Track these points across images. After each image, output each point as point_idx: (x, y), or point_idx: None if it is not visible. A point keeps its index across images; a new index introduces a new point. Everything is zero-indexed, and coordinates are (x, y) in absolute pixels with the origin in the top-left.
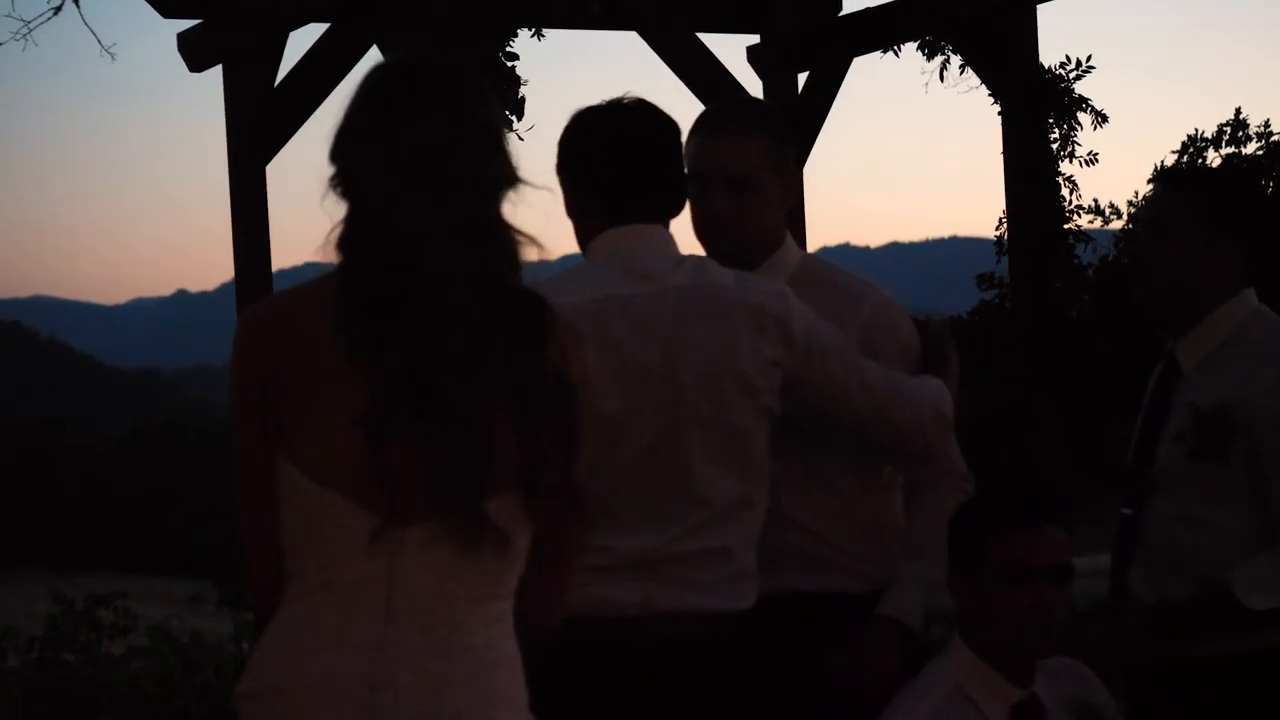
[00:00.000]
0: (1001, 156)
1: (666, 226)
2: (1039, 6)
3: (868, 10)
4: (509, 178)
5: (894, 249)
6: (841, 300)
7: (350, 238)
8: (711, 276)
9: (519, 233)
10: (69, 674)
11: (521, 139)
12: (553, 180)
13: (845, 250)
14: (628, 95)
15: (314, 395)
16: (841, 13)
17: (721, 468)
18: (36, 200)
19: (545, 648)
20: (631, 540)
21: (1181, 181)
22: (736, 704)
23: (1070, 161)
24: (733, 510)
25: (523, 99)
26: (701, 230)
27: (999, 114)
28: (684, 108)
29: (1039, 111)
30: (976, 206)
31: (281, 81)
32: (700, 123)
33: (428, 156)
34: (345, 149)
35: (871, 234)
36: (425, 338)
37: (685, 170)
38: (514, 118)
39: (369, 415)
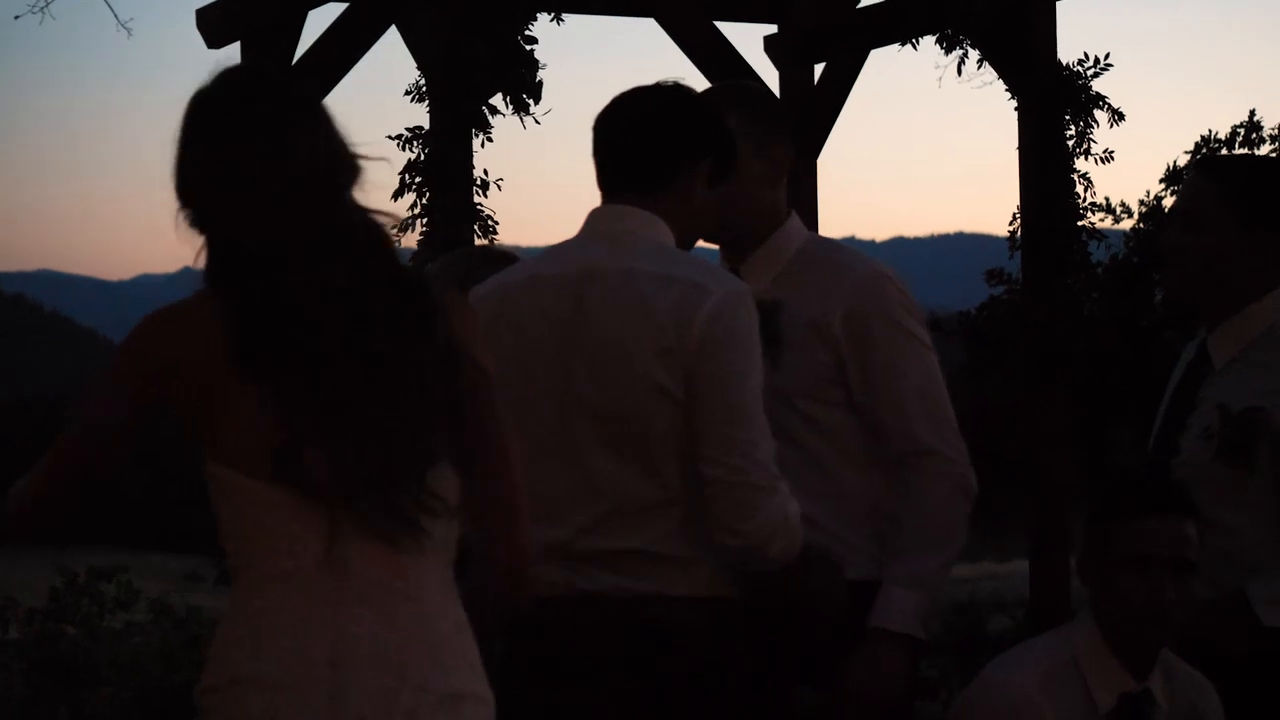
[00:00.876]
0: (1016, 152)
1: (665, 207)
2: (1058, 4)
3: (886, 3)
4: (347, 168)
5: (899, 243)
6: (828, 274)
7: (213, 270)
8: (635, 262)
9: (376, 212)
10: (70, 647)
11: (539, 123)
12: (570, 164)
13: (849, 243)
14: (665, 80)
15: (231, 400)
16: (860, 4)
17: (619, 460)
18: (44, 174)
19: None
20: (539, 531)
21: (1214, 170)
22: (670, 686)
23: (1085, 159)
24: (639, 507)
25: (540, 83)
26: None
27: (1015, 110)
28: None
29: (1056, 108)
30: (983, 202)
31: (300, 59)
32: None
33: (258, 170)
34: (183, 182)
35: (877, 228)
36: (313, 352)
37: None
38: (531, 101)
39: (275, 437)
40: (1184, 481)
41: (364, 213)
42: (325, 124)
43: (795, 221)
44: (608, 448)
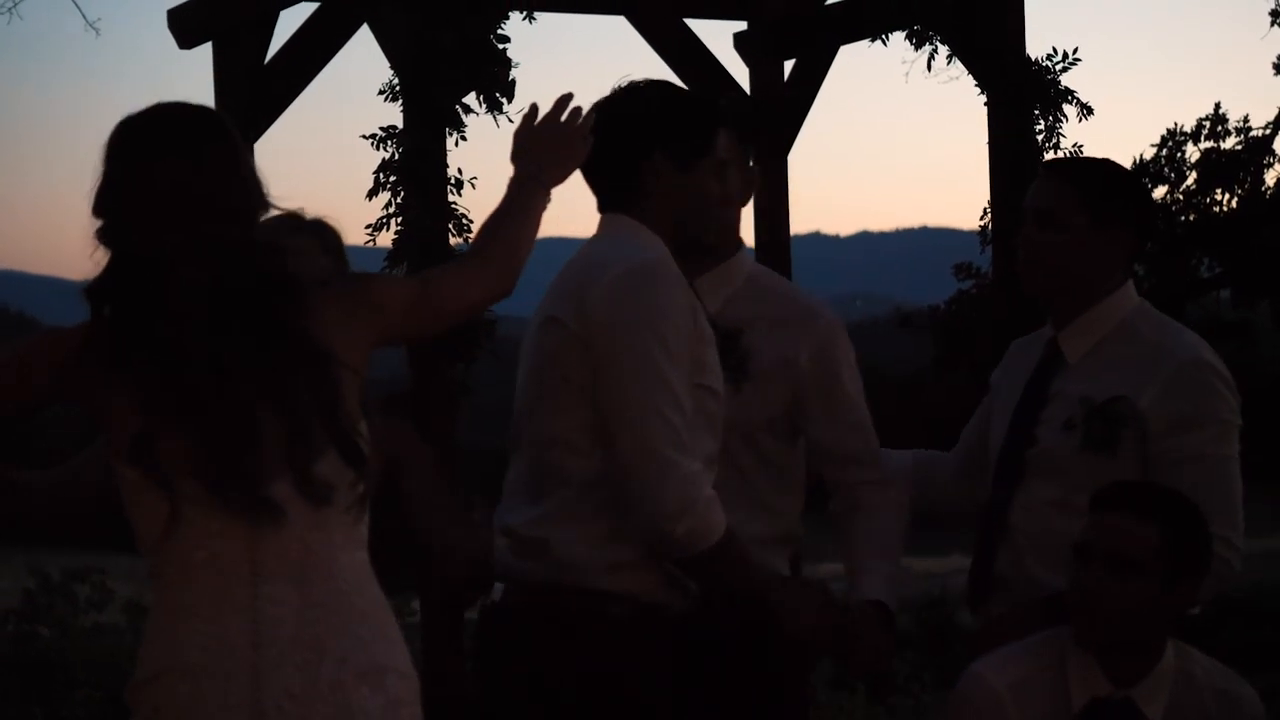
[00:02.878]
0: (986, 148)
1: (645, 209)
2: None
3: None
4: (254, 202)
5: (864, 238)
6: (795, 313)
7: (101, 279)
8: (577, 265)
9: (269, 247)
10: (44, 647)
11: (511, 121)
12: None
13: (816, 239)
14: (619, 83)
15: (110, 402)
16: (828, 1)
17: (548, 460)
18: (8, 174)
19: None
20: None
21: (1067, 171)
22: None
23: (1055, 153)
24: (557, 507)
25: (513, 81)
26: None
27: (985, 105)
28: None
29: (1025, 103)
30: (949, 196)
31: (271, 59)
32: None
33: (166, 192)
34: (101, 198)
35: (843, 223)
36: (172, 347)
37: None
38: (505, 100)
39: (136, 435)
40: (1041, 470)
41: (253, 243)
42: (240, 163)
43: (746, 250)
44: (539, 449)
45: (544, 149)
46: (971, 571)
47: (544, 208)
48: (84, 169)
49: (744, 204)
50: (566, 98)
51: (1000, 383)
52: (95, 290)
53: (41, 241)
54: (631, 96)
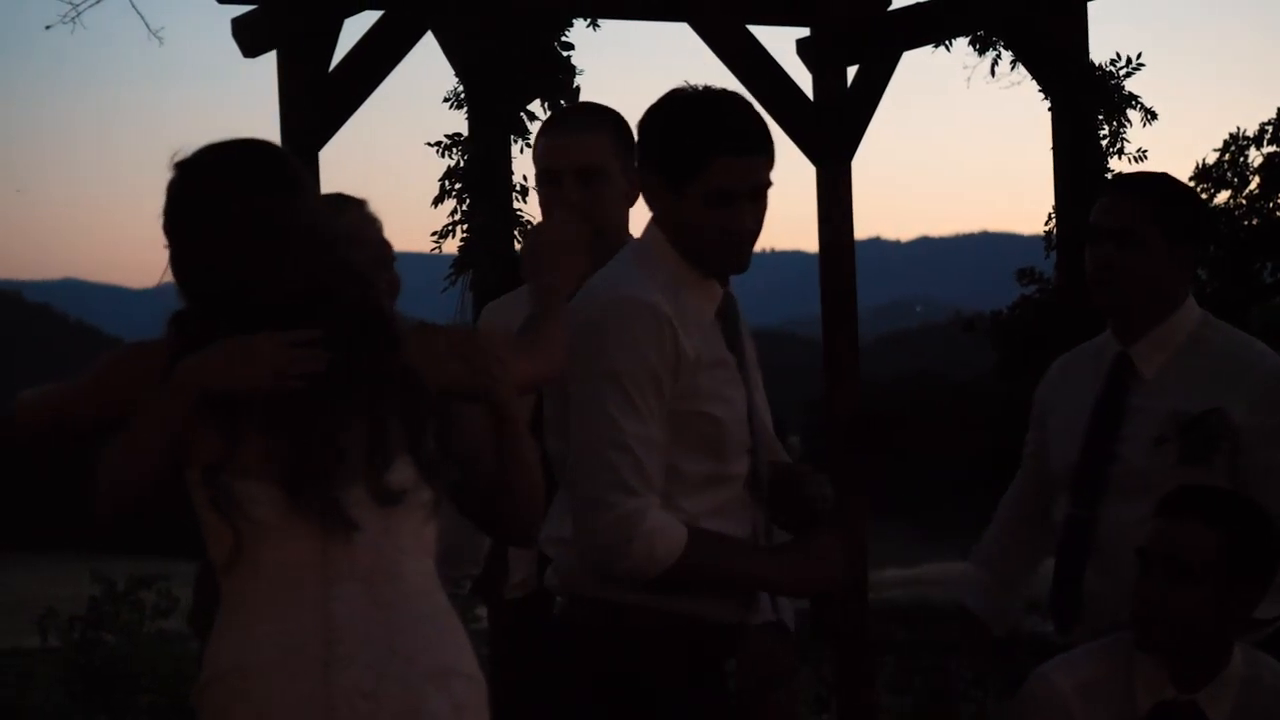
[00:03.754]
0: (1047, 153)
1: (657, 220)
2: (1089, 3)
3: (918, 5)
4: (343, 237)
5: (924, 243)
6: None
7: (197, 310)
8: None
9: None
10: (109, 654)
11: None
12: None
13: (875, 244)
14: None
15: (206, 425)
16: (892, 6)
17: (563, 475)
18: (70, 183)
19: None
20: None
21: (1139, 187)
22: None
23: (1119, 158)
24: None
25: (578, 89)
26: None
27: (1049, 110)
28: None
29: (1089, 108)
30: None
31: (336, 67)
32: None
33: (264, 224)
34: (181, 236)
35: (903, 228)
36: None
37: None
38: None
39: (209, 467)
40: (1128, 487)
41: (352, 271)
42: (309, 198)
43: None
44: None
45: (550, 265)
46: (1057, 591)
47: (566, 311)
48: (145, 179)
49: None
50: (549, 222)
51: (1052, 401)
52: (183, 313)
53: (101, 250)
54: (652, 109)
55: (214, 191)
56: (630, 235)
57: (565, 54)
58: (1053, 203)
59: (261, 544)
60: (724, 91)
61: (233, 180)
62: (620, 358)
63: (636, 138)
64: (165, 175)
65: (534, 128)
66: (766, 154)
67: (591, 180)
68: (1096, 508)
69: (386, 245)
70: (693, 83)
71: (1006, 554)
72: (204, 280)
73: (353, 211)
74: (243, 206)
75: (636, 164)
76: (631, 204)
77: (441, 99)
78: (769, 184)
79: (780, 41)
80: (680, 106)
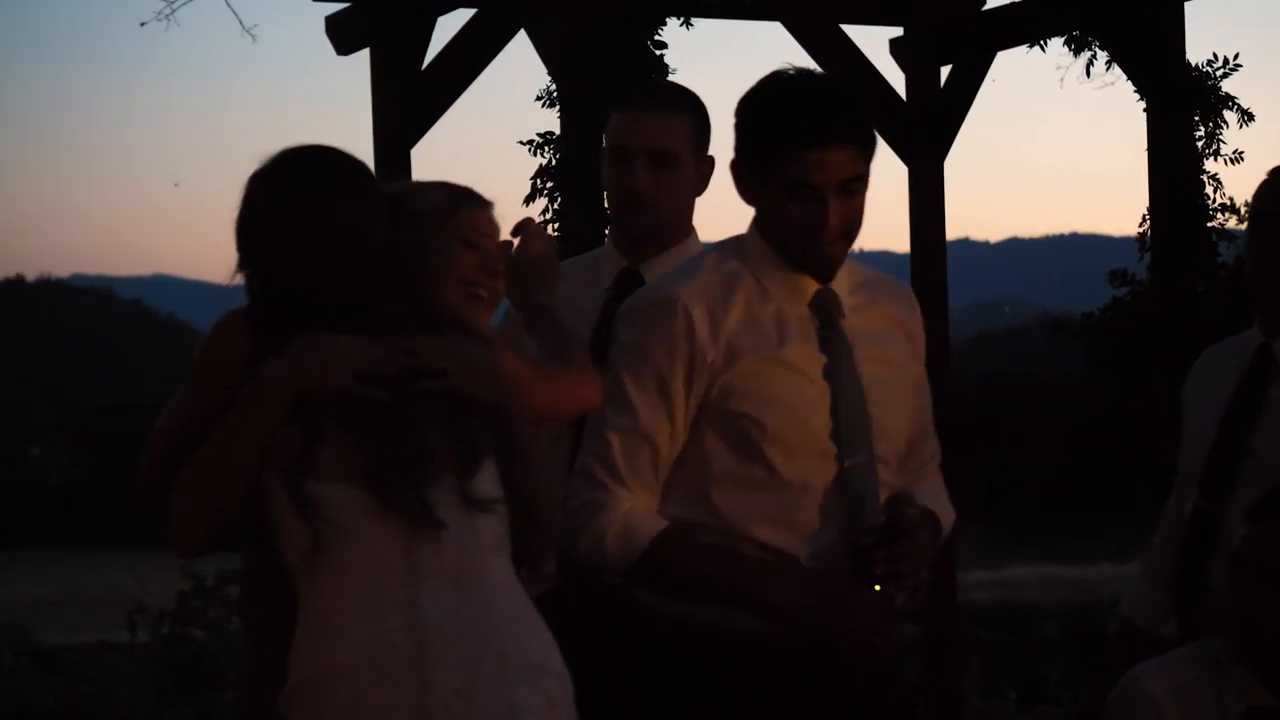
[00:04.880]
0: (1137, 154)
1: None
2: (1186, 3)
3: (1013, 4)
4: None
5: (1013, 244)
6: None
7: (276, 312)
8: None
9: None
10: (197, 650)
11: None
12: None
13: (964, 245)
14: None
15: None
16: (986, 6)
17: None
18: (162, 178)
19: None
20: None
21: None
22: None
23: (1215, 160)
24: None
25: None
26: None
27: (1144, 111)
28: None
29: (1185, 109)
30: (1098, 204)
31: (429, 65)
32: (623, 98)
33: (344, 235)
34: (258, 239)
35: (992, 229)
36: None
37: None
38: None
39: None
40: (1259, 481)
41: (406, 276)
42: (377, 206)
43: (697, 237)
44: None
45: (526, 287)
46: (1179, 586)
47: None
48: (236, 176)
49: (699, 193)
50: (524, 224)
51: (1193, 392)
52: (254, 309)
53: (192, 246)
54: (746, 93)
55: (287, 196)
56: (693, 227)
57: (658, 53)
58: (1146, 204)
59: (344, 546)
60: (816, 76)
61: (305, 187)
62: (625, 350)
63: (733, 123)
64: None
65: None
66: (856, 146)
67: (663, 164)
68: (1225, 501)
69: (500, 252)
70: (793, 65)
71: (1169, 559)
72: (275, 280)
73: (479, 213)
74: (313, 212)
75: (733, 151)
76: (699, 194)
77: (534, 97)
78: (861, 178)
79: (874, 41)
80: (767, 91)
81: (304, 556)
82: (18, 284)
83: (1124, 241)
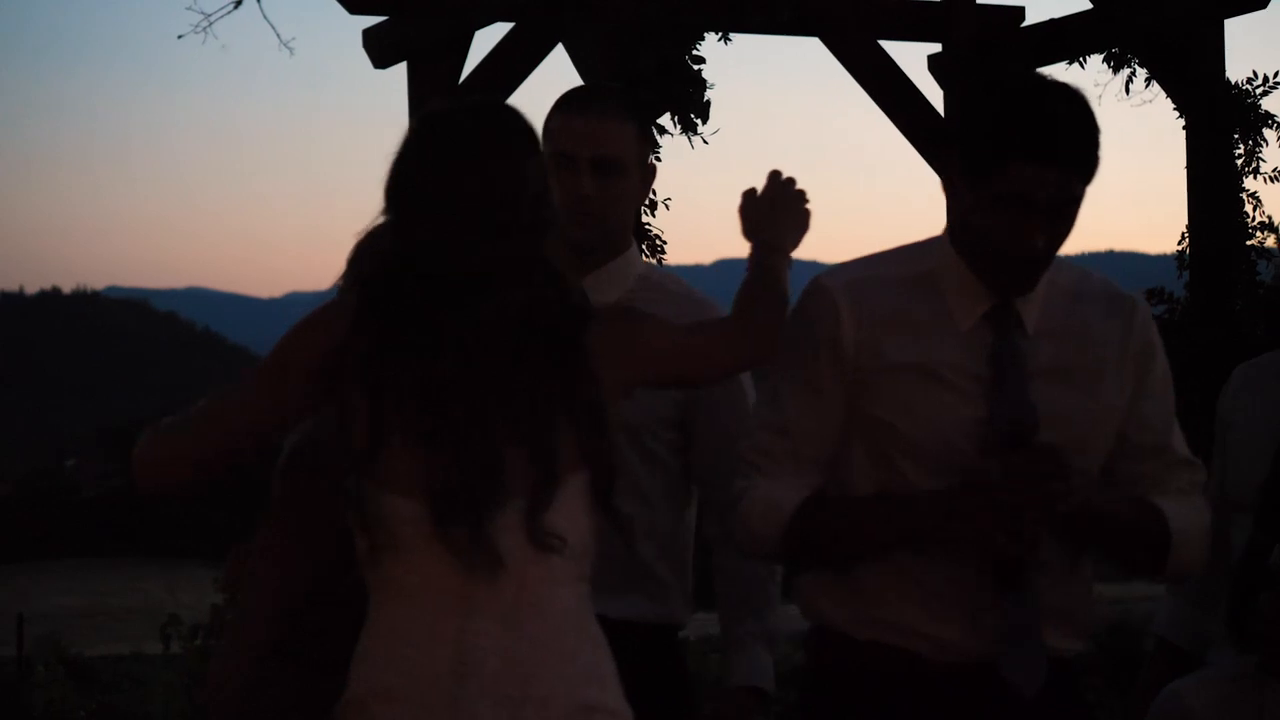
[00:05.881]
0: (1173, 171)
1: None
2: (1225, 21)
3: (1052, 21)
4: (553, 219)
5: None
6: (694, 313)
7: (386, 271)
8: None
9: (560, 266)
10: None
11: (706, 142)
12: (738, 184)
13: None
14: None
15: (372, 409)
16: (1025, 23)
17: None
18: (198, 191)
19: None
20: None
21: None
22: None
23: (1254, 178)
24: None
25: (708, 102)
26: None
27: (1183, 129)
28: (863, 114)
29: (1225, 127)
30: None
31: (466, 79)
32: (566, 101)
33: (482, 200)
34: (401, 192)
35: None
36: (441, 370)
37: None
38: (700, 121)
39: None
40: None
41: (543, 250)
42: (545, 173)
43: (637, 249)
44: None
45: (772, 220)
46: (1232, 619)
47: (788, 272)
48: (272, 188)
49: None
50: (775, 174)
51: (1233, 414)
52: (377, 288)
53: (226, 259)
54: (978, 89)
55: (438, 148)
56: (632, 239)
57: (696, 67)
58: (1185, 222)
59: (401, 564)
60: (1050, 86)
61: (458, 142)
62: (783, 343)
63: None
64: (292, 184)
65: (664, 141)
66: (1076, 167)
67: (610, 172)
68: (1278, 530)
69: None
70: (815, 101)
71: (1201, 578)
72: (412, 237)
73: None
74: (458, 169)
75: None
76: (640, 203)
77: None
78: (1075, 200)
79: (912, 57)
80: (995, 93)
81: (367, 566)
82: (54, 296)
83: (1161, 259)
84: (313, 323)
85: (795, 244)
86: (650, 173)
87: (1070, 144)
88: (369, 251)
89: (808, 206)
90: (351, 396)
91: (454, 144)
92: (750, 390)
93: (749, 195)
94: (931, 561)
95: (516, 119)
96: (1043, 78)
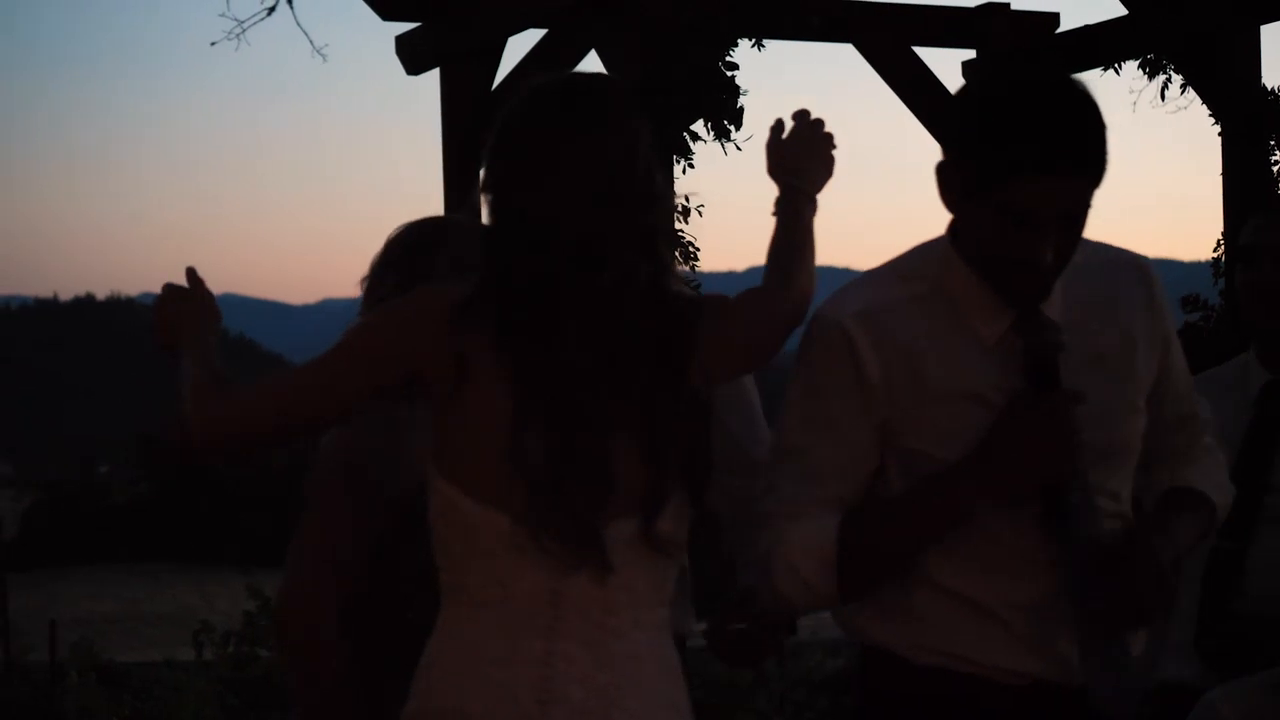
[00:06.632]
0: (1208, 178)
1: None
2: (1262, 27)
3: (1087, 27)
4: (668, 192)
5: None
6: None
7: (509, 249)
8: None
9: (675, 244)
10: (264, 669)
11: (739, 149)
12: (770, 191)
13: None
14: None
15: (466, 412)
16: (1060, 29)
17: None
18: (231, 198)
19: None
20: None
21: None
22: None
23: None
24: None
25: (741, 109)
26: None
27: (1219, 135)
28: (898, 120)
29: (1261, 133)
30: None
31: (499, 85)
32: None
33: (599, 170)
34: (507, 162)
35: None
36: (575, 357)
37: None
38: (733, 127)
39: (509, 420)
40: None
41: (670, 238)
42: (647, 138)
43: None
44: None
45: (799, 158)
46: (1203, 629)
47: (814, 215)
48: (305, 194)
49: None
50: (804, 112)
51: None
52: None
53: (260, 266)
54: (973, 85)
55: (541, 117)
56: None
57: (729, 74)
58: (1221, 229)
59: (486, 571)
60: (1048, 89)
61: (564, 111)
62: (793, 376)
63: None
64: (325, 191)
65: (697, 148)
66: (1090, 176)
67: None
68: (1248, 541)
69: None
70: (850, 106)
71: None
72: (515, 208)
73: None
74: (565, 139)
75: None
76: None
77: None
78: (1086, 207)
79: (945, 63)
80: (1003, 95)
81: (448, 568)
82: (87, 302)
83: (1196, 266)
84: (395, 313)
85: (821, 185)
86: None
87: (1075, 153)
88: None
89: (834, 150)
90: (476, 386)
91: (565, 113)
92: (753, 389)
93: (777, 130)
94: (994, 579)
95: (622, 91)
96: (1037, 78)
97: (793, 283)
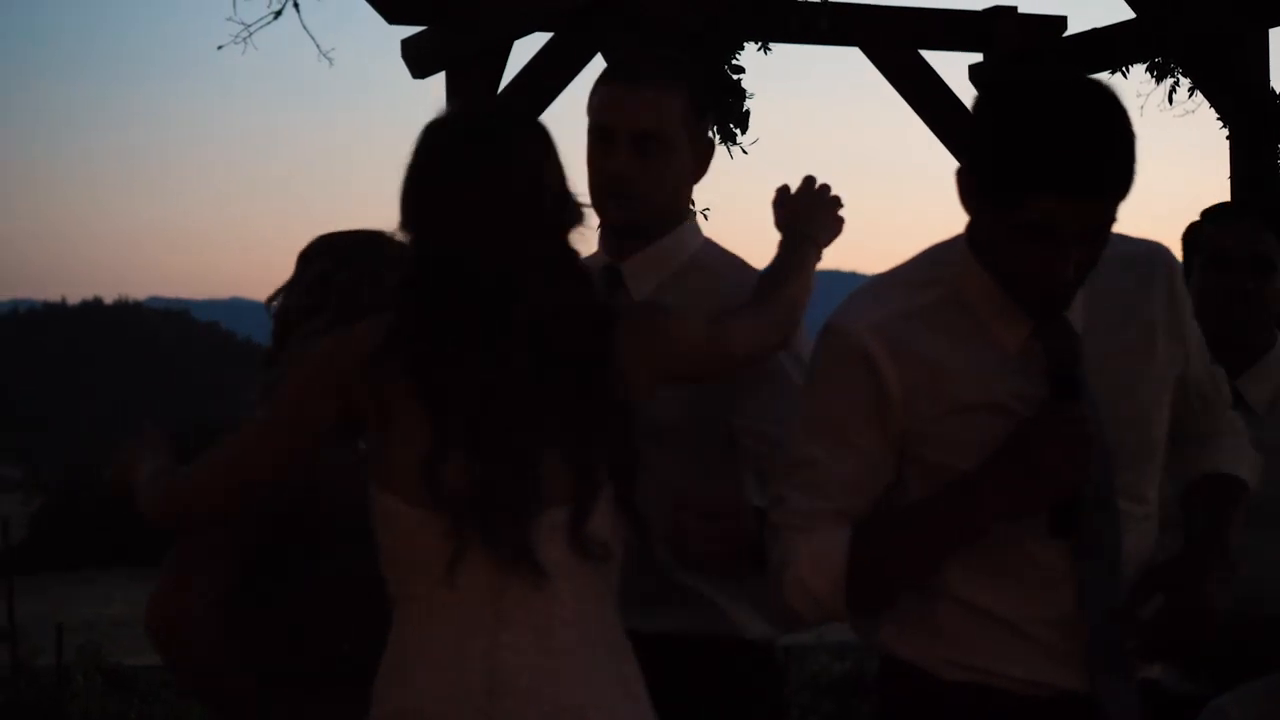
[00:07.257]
0: (1228, 182)
1: None
2: (1271, 30)
3: (1094, 30)
4: (575, 216)
5: None
6: (733, 286)
7: (420, 280)
8: None
9: (581, 259)
10: None
11: (745, 152)
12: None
13: None
14: None
15: (396, 436)
16: (1067, 32)
17: None
18: (239, 202)
19: None
20: None
21: (1262, 215)
22: None
23: None
24: None
25: (747, 112)
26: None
27: (1227, 139)
28: (904, 124)
29: (1270, 137)
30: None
31: (505, 88)
32: (607, 69)
33: (503, 204)
34: (420, 197)
35: None
36: (486, 375)
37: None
38: (739, 130)
39: (428, 450)
40: (1255, 518)
41: (569, 250)
42: (563, 174)
43: (695, 228)
44: None
45: (810, 211)
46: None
47: (816, 264)
48: (312, 197)
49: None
50: (812, 179)
51: None
52: (405, 298)
53: (267, 269)
54: (991, 94)
55: (443, 153)
56: (689, 214)
57: (735, 77)
58: None
59: (428, 580)
60: (1071, 98)
61: (466, 144)
62: (804, 389)
63: (972, 119)
64: (332, 194)
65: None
66: (1106, 194)
67: (650, 149)
68: None
69: None
70: (856, 110)
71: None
72: (430, 243)
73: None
74: (470, 172)
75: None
76: (696, 180)
77: None
78: (1110, 221)
79: (952, 67)
80: (1026, 107)
81: (395, 580)
82: (95, 306)
83: None
84: (323, 355)
85: (828, 242)
86: (707, 148)
87: (1093, 175)
88: (359, 270)
89: (842, 212)
90: (392, 412)
91: (468, 148)
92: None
93: (783, 191)
94: (1017, 593)
95: (526, 121)
96: (1057, 88)
97: (793, 315)
